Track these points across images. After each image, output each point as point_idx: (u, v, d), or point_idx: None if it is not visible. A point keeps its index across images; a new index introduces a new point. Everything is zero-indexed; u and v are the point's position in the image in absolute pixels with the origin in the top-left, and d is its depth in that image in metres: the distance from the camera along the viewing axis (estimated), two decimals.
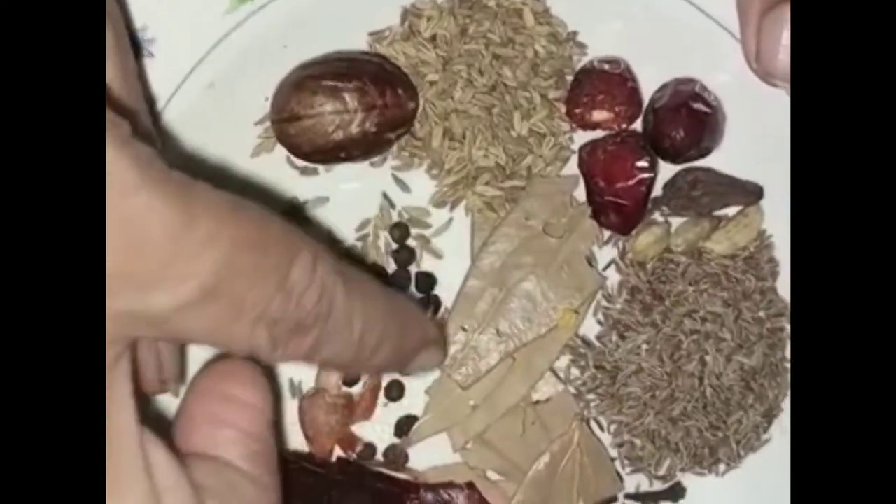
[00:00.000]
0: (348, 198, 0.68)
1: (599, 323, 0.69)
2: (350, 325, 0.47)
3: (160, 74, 0.64)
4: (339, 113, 0.64)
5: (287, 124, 0.65)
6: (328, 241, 0.68)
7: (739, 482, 0.68)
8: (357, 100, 0.64)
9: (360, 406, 0.67)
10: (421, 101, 0.67)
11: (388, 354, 0.50)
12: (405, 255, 0.69)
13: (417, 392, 0.67)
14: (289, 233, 0.44)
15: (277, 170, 0.68)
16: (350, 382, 0.67)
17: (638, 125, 0.69)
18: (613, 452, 0.68)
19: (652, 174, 0.68)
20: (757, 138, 0.68)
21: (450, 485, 0.66)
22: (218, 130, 0.66)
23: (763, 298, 0.68)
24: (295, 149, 0.66)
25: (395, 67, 0.67)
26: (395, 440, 0.68)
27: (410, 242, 0.69)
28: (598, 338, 0.69)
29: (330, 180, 0.68)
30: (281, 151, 0.67)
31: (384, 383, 0.68)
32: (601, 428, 0.69)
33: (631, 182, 0.67)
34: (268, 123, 0.67)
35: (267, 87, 0.66)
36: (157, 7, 0.63)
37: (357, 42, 0.68)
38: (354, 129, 0.64)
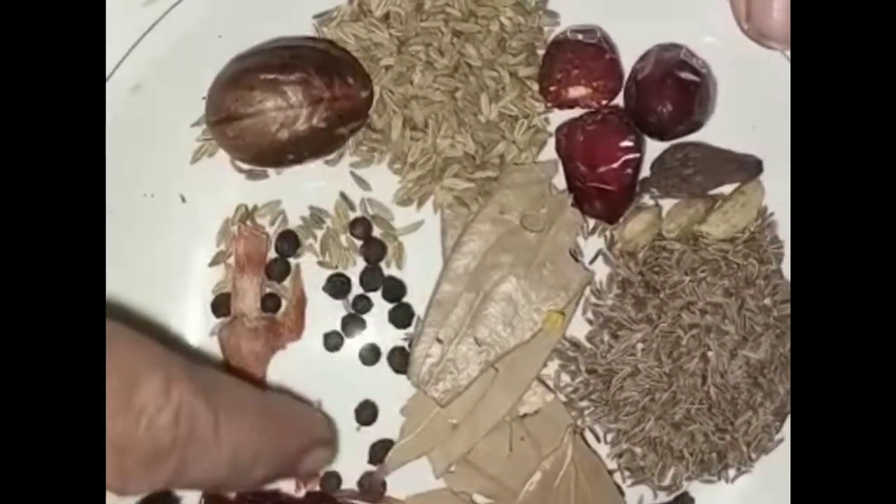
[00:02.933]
0: (303, 201, 0.62)
1: (589, 322, 0.64)
2: (218, 444, 0.45)
3: None
4: (281, 109, 0.57)
5: (225, 125, 0.58)
6: (283, 250, 0.62)
7: (752, 487, 0.64)
8: (301, 93, 0.57)
9: (286, 325, 0.62)
10: (376, 89, 0.61)
11: (267, 468, 0.49)
12: (376, 250, 0.62)
13: (392, 413, 0.62)
14: (137, 353, 0.43)
15: (221, 175, 0.62)
16: (272, 307, 0.62)
17: (620, 100, 0.63)
18: (612, 464, 0.63)
19: (638, 154, 0.62)
20: (751, 107, 0.62)
21: None
22: (149, 137, 0.60)
23: (768, 284, 0.62)
24: (236, 152, 0.59)
25: (344, 53, 0.60)
26: (370, 467, 0.62)
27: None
28: (589, 339, 0.63)
29: (281, 183, 0.62)
30: (224, 154, 0.61)
31: (355, 404, 0.62)
32: (597, 438, 0.63)
33: (615, 164, 0.61)
34: (205, 125, 0.60)
35: (202, 85, 0.60)
36: None
37: (301, 26, 0.62)
38: (301, 126, 0.57)
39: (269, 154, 0.58)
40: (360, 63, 0.60)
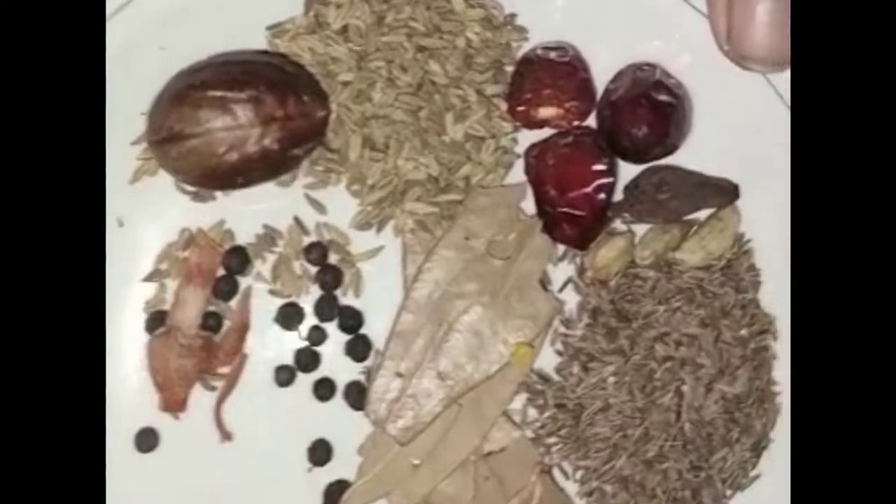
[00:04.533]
0: (253, 226, 0.59)
1: (558, 353, 0.61)
2: None
3: None
4: (230, 129, 0.53)
5: (168, 145, 0.54)
6: (231, 267, 0.59)
7: None
8: (252, 112, 0.53)
9: (223, 349, 0.59)
10: (333, 107, 0.57)
11: None
12: (332, 278, 0.59)
13: (349, 452, 0.59)
14: None
15: (163, 195, 0.58)
16: (212, 326, 0.58)
17: (592, 121, 0.60)
18: (581, 503, 0.60)
19: (611, 178, 0.59)
20: (729, 129, 0.60)
21: None
22: None
23: (745, 314, 0.60)
24: (180, 174, 0.56)
25: (299, 68, 0.57)
26: None
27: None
28: (558, 371, 0.61)
29: (229, 205, 0.59)
30: (165, 173, 0.57)
31: (308, 443, 0.58)
32: (566, 475, 0.61)
33: (587, 189, 0.59)
34: (146, 144, 0.57)
35: (142, 100, 0.56)
36: None
37: (253, 39, 0.58)
38: (251, 147, 0.53)
39: (217, 177, 0.55)
40: (317, 79, 0.57)
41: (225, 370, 0.59)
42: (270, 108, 0.54)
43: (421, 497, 0.58)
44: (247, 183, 0.56)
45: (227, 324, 0.59)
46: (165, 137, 0.54)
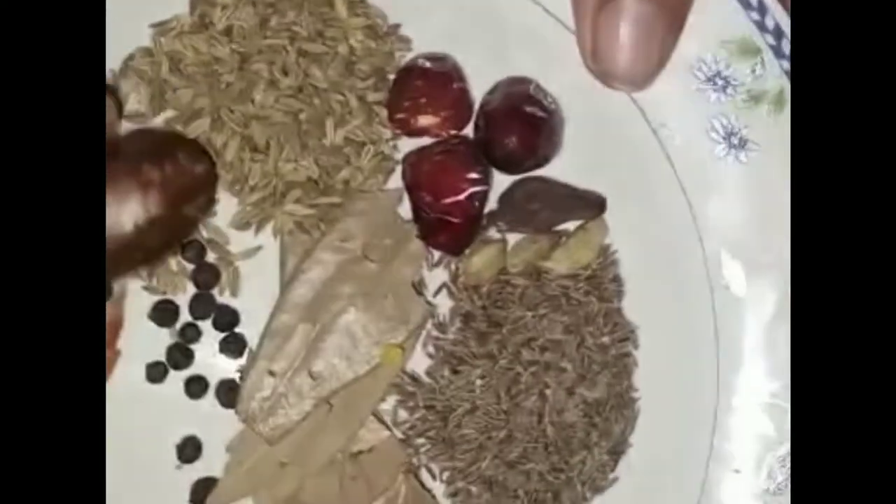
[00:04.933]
0: None
1: (430, 356, 0.62)
2: None
3: None
4: (111, 204, 0.53)
5: None
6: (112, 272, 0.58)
7: None
8: (132, 181, 0.54)
9: None
10: (213, 105, 0.57)
11: None
12: (208, 276, 0.59)
13: (216, 449, 0.59)
14: None
15: None
16: None
17: (470, 130, 0.62)
18: (447, 503, 0.61)
19: (485, 187, 0.61)
20: (598, 144, 0.62)
21: None
22: None
23: (607, 322, 0.62)
24: None
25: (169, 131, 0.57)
26: None
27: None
28: (429, 373, 0.62)
29: None
30: None
31: (177, 441, 0.58)
32: (433, 476, 0.62)
33: (461, 196, 0.60)
34: None
35: None
36: None
37: (135, 36, 0.58)
38: (137, 216, 0.53)
39: (119, 259, 0.54)
40: (191, 140, 0.57)
41: None
42: (146, 174, 0.54)
43: (286, 496, 0.58)
44: (150, 258, 0.56)
45: None
46: None
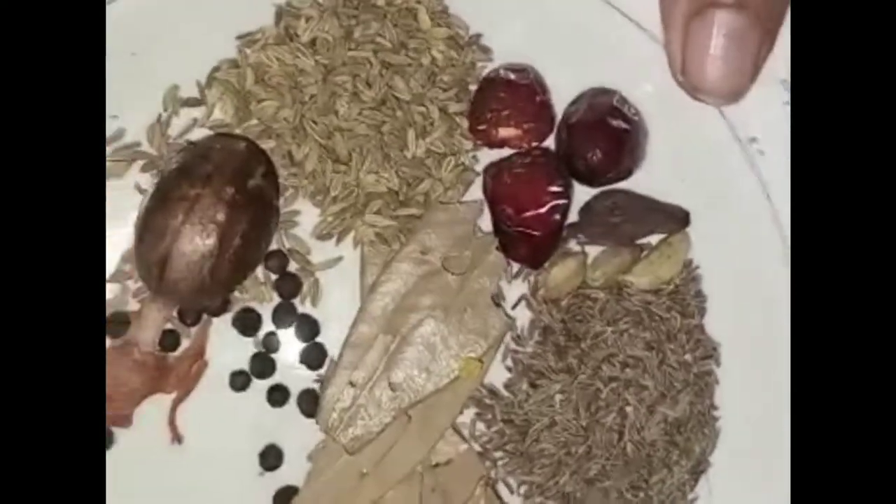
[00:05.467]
0: None
1: (508, 369, 0.62)
2: None
3: None
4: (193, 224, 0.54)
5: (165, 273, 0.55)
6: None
7: None
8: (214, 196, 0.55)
9: (175, 373, 0.58)
10: (297, 119, 0.58)
11: None
12: (289, 286, 0.60)
13: (298, 458, 0.59)
14: None
15: (128, 197, 0.58)
16: (169, 345, 0.59)
17: (551, 142, 0.61)
18: None
19: (566, 200, 0.60)
20: (682, 158, 0.61)
21: None
22: None
23: (689, 339, 0.61)
24: (194, 293, 0.56)
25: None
26: None
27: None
28: (507, 387, 0.61)
29: None
30: (133, 175, 0.58)
31: (259, 448, 0.59)
32: (510, 490, 0.61)
33: (542, 210, 0.60)
34: (115, 145, 0.57)
35: (112, 105, 0.56)
36: None
37: (221, 47, 0.59)
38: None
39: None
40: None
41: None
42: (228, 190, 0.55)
43: None
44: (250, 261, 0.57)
45: (184, 344, 0.59)
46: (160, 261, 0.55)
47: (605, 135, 0.59)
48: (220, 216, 0.54)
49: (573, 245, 0.62)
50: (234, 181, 0.55)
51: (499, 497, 0.60)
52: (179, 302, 0.57)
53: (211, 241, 0.54)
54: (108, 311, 0.58)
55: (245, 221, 0.55)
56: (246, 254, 0.56)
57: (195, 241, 0.54)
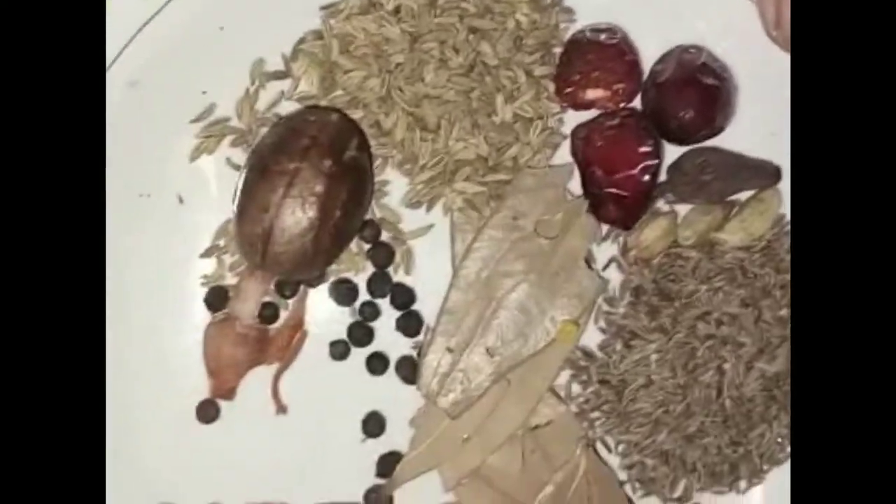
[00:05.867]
0: None
1: (602, 331, 0.62)
2: None
3: None
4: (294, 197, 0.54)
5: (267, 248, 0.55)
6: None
7: (763, 498, 0.62)
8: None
9: (275, 344, 0.59)
10: (383, 85, 0.58)
11: None
12: (383, 255, 0.60)
13: (400, 424, 0.60)
14: None
15: (221, 172, 0.59)
16: (268, 317, 0.59)
17: (637, 101, 0.61)
18: (622, 475, 0.62)
19: (656, 160, 0.60)
20: (771, 112, 0.60)
21: None
22: (147, 134, 0.57)
23: (784, 294, 0.61)
24: (295, 264, 0.56)
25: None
26: (377, 481, 0.60)
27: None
28: (601, 348, 0.62)
29: None
30: (223, 151, 0.58)
31: (362, 416, 0.60)
32: (608, 449, 0.62)
33: (633, 170, 0.59)
34: (206, 121, 0.58)
35: (202, 80, 0.56)
36: None
37: (306, 19, 0.59)
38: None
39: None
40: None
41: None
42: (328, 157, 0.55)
43: (470, 469, 0.59)
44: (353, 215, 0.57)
45: (283, 315, 0.60)
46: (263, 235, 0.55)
47: (696, 92, 0.58)
48: (320, 188, 0.54)
49: (663, 205, 0.61)
50: (331, 153, 0.55)
51: (598, 456, 0.61)
52: (281, 275, 0.57)
53: (312, 214, 0.54)
54: (207, 286, 0.59)
55: (344, 192, 0.55)
56: (345, 225, 0.56)
57: (297, 214, 0.54)
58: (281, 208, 0.54)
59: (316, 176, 0.54)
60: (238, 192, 0.56)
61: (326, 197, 0.54)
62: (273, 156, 0.55)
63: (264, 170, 0.55)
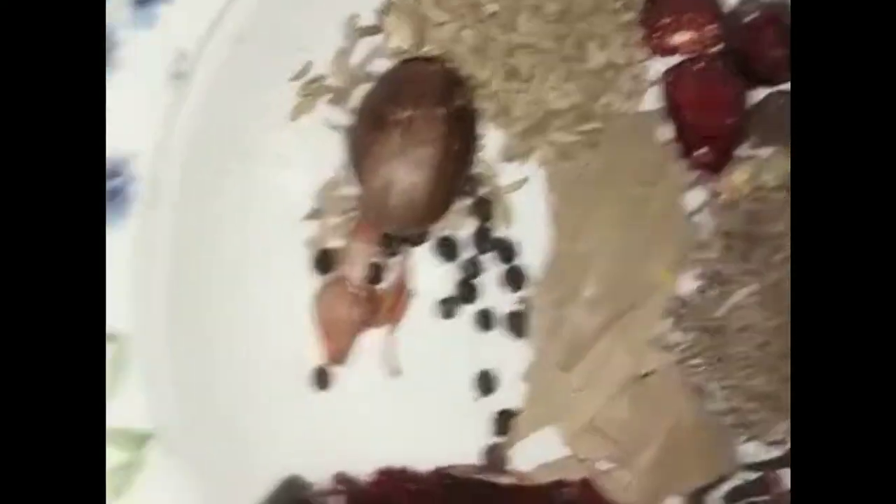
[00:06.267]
0: None
1: (697, 277, 0.61)
2: None
3: (180, 29, 0.51)
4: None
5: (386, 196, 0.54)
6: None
7: None
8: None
9: (386, 304, 0.58)
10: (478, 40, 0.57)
11: None
12: (482, 210, 0.59)
13: (512, 380, 0.59)
14: None
15: (321, 132, 0.57)
16: (374, 277, 0.58)
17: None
18: (726, 420, 0.61)
19: (744, 102, 0.60)
20: None
21: (560, 483, 0.57)
22: (253, 90, 0.55)
23: None
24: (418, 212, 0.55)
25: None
26: (496, 439, 0.59)
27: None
28: (698, 293, 0.61)
29: None
30: (321, 110, 0.57)
31: (474, 374, 0.58)
32: (711, 395, 0.61)
33: (721, 113, 0.59)
34: (305, 79, 0.56)
35: (300, 37, 0.55)
36: None
37: None
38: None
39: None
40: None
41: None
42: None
43: (585, 421, 0.58)
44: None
45: (387, 276, 0.59)
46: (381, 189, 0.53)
47: (784, 33, 0.59)
48: (435, 135, 0.53)
49: (747, 147, 0.62)
50: (442, 101, 0.54)
51: (701, 402, 0.61)
52: (395, 229, 0.56)
53: (429, 163, 0.53)
54: (313, 249, 0.58)
55: (456, 141, 0.54)
56: (458, 175, 0.55)
57: (413, 165, 0.53)
58: (398, 158, 0.53)
59: (430, 123, 0.53)
60: (351, 149, 0.54)
61: (442, 146, 0.53)
62: (387, 105, 0.53)
63: (378, 120, 0.53)
